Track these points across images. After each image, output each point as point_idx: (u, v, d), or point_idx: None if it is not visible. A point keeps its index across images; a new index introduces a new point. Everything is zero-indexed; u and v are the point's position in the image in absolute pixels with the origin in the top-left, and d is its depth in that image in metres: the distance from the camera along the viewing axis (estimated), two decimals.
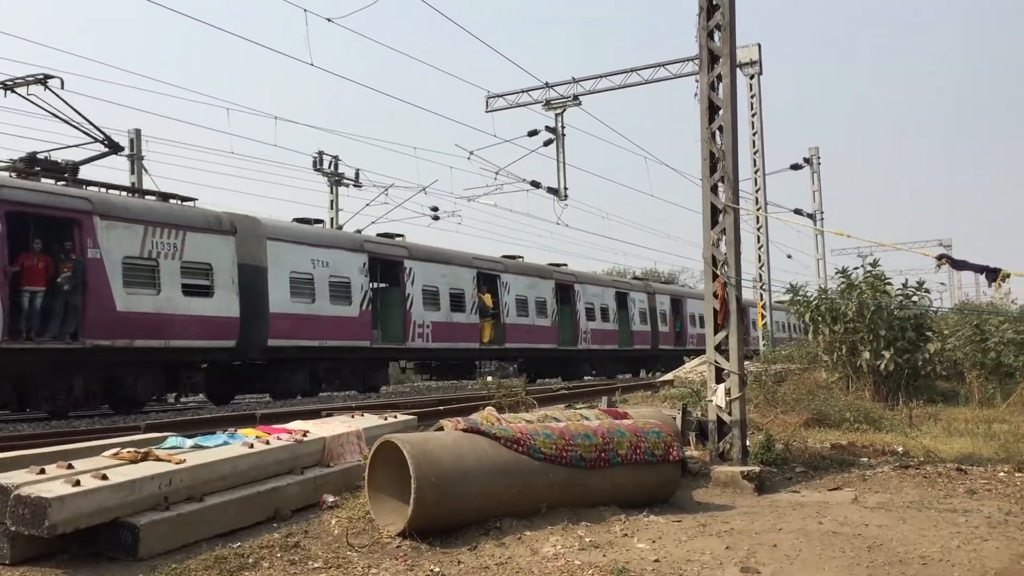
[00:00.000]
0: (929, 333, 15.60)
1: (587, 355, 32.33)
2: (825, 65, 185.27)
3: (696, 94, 8.74)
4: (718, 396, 8.23)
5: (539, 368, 31.08)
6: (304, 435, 7.04)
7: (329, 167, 32.20)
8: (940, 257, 8.49)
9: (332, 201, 32.75)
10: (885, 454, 9.29)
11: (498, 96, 26.65)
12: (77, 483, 4.82)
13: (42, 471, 5.06)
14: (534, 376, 30.15)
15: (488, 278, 26.86)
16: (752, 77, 26.40)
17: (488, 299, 26.47)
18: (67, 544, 4.94)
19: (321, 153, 31.78)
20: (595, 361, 33.42)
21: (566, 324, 30.25)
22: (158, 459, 5.63)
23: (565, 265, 32.94)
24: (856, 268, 17.00)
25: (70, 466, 5.28)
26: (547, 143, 25.96)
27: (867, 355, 14.96)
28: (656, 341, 36.42)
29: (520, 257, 30.30)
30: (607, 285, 34.20)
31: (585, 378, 31.18)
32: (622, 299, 34.37)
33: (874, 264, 16.38)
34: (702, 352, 8.76)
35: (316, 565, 4.97)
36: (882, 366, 14.72)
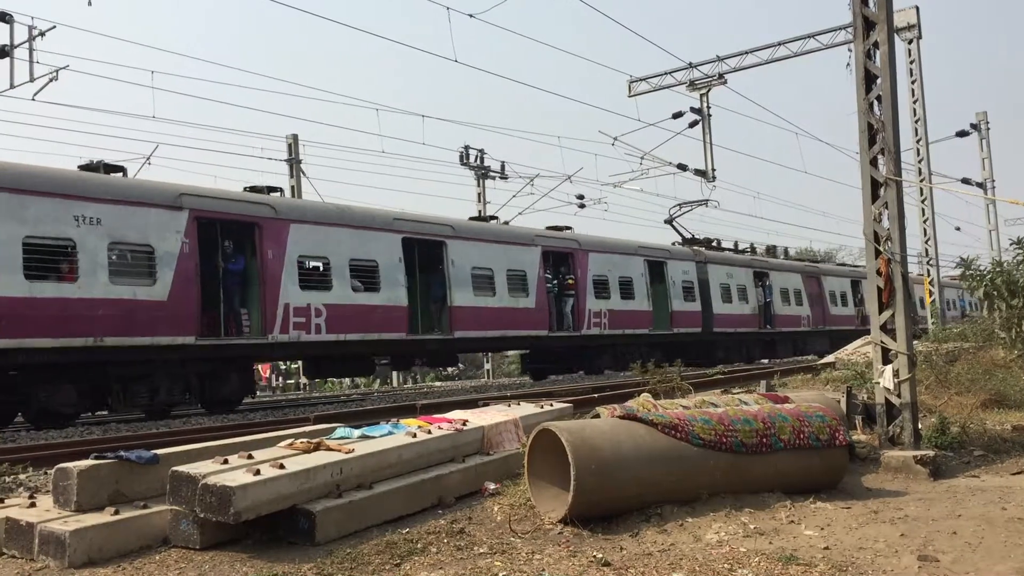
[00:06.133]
0: None
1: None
2: (989, 24, 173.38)
3: (848, 64, 8.36)
4: (886, 378, 7.89)
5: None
6: (464, 424, 7.21)
7: (475, 161, 32.78)
8: None
9: (479, 194, 33.34)
10: None
11: (641, 80, 26.35)
12: (257, 472, 5.08)
13: (225, 461, 5.33)
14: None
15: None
16: (910, 42, 25.01)
17: None
18: (250, 530, 5.21)
19: (467, 147, 32.42)
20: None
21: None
22: (329, 449, 5.89)
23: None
24: None
25: (250, 456, 5.57)
26: (692, 124, 25.54)
27: None
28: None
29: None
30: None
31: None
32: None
33: None
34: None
35: (482, 550, 5.07)
36: None
